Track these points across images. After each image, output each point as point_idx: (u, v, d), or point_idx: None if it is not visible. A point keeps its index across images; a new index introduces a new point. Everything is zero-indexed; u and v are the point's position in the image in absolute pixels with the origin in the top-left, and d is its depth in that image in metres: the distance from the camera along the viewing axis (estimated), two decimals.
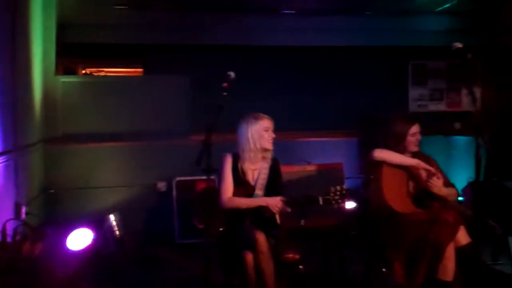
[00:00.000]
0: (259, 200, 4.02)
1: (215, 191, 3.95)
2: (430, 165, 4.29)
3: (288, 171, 4.86)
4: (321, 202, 3.95)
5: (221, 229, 3.93)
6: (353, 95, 6.54)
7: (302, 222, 4.59)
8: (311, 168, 5.06)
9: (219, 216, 3.90)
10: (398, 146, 4.20)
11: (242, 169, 4.11)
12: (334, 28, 5.84)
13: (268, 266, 3.71)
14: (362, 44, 6.04)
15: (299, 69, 6.53)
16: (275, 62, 6.46)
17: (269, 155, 4.16)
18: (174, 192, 5.82)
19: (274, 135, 4.13)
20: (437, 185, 4.04)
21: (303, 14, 5.79)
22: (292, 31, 5.83)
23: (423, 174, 4.07)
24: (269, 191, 4.07)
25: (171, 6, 5.71)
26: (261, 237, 3.71)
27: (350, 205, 5.41)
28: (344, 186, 3.97)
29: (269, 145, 4.11)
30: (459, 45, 3.41)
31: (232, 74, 3.80)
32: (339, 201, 3.95)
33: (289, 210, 3.99)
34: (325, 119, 6.44)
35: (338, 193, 3.95)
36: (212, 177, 3.72)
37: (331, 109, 6.48)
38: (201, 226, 4.19)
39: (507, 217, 4.91)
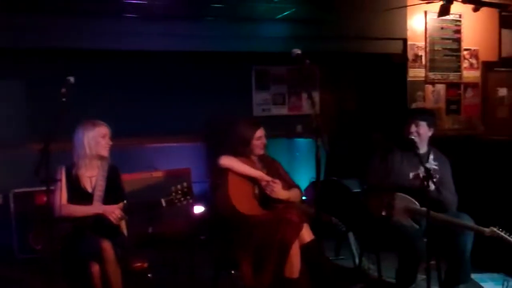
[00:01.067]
0: (95, 208, 3.88)
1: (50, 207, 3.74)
2: (275, 167, 4.43)
3: (134, 178, 4.75)
4: (164, 204, 3.90)
5: (60, 247, 3.72)
6: (199, 99, 6.53)
7: (150, 229, 4.52)
8: (158, 174, 4.99)
9: (57, 232, 3.70)
10: (244, 150, 4.28)
11: (78, 177, 3.97)
12: (178, 33, 5.80)
13: (115, 275, 3.60)
14: (206, 49, 6.06)
15: (144, 74, 6.41)
16: (119, 66, 6.28)
17: (105, 163, 4.04)
18: (12, 205, 5.45)
19: (111, 142, 4.03)
20: (274, 190, 4.18)
21: (147, 18, 5.69)
22: (136, 35, 5.71)
23: (263, 182, 4.20)
24: (108, 200, 3.94)
25: (2, 7, 5.32)
26: (106, 246, 3.59)
27: (198, 209, 5.42)
28: (185, 184, 3.95)
29: (105, 152, 4.01)
30: (298, 51, 3.53)
31: (71, 79, 3.62)
32: (182, 199, 3.92)
33: (126, 217, 3.90)
34: (172, 124, 6.37)
35: (180, 192, 3.92)
36: (52, 187, 3.53)
37: (178, 114, 6.42)
38: (38, 247, 3.95)
39: (346, 214, 5.18)
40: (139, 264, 3.89)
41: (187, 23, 5.79)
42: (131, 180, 4.67)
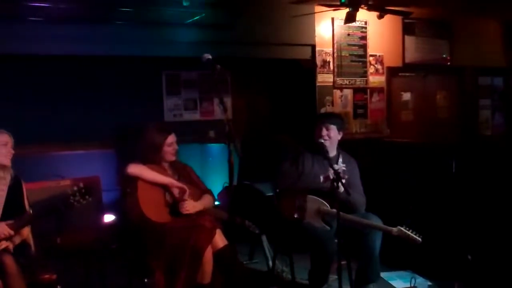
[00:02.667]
0: None
1: None
2: (187, 173, 4.39)
3: (40, 187, 4.58)
4: (63, 210, 3.78)
5: None
6: (108, 105, 6.37)
7: (58, 240, 4.37)
8: (65, 182, 4.82)
9: None
10: (155, 156, 4.22)
11: None
12: (86, 37, 5.63)
13: None
14: (115, 53, 5.92)
15: (52, 79, 6.17)
16: (23, 71, 6.02)
17: (7, 174, 3.82)
18: None
19: (13, 151, 3.83)
20: (187, 208, 4.11)
21: (53, 22, 5.50)
22: (41, 39, 5.50)
23: (176, 191, 4.16)
24: (7, 213, 3.72)
25: None
26: (7, 259, 3.42)
27: (109, 218, 5.29)
28: (82, 185, 3.84)
29: (6, 161, 3.78)
30: (208, 56, 3.54)
31: None
32: (81, 200, 3.80)
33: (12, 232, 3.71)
34: (80, 130, 6.17)
35: (77, 193, 3.80)
36: None
37: (87, 120, 6.22)
38: None
39: (260, 218, 5.22)
40: (47, 276, 3.74)
41: (95, 27, 5.65)
42: (37, 189, 4.49)
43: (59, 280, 3.79)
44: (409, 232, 4.20)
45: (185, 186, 4.17)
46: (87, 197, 3.82)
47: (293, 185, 4.52)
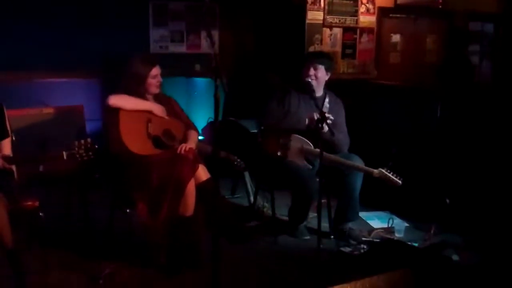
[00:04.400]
0: None
1: None
2: (171, 106, 4.36)
3: (23, 114, 4.53)
4: (65, 157, 3.72)
5: None
6: (93, 34, 6.22)
7: (41, 167, 4.35)
8: (48, 110, 4.76)
9: None
10: (139, 88, 4.16)
11: None
12: None
13: (1, 215, 3.43)
14: None
15: (34, 5, 6.02)
16: None
17: None
18: None
19: None
20: (186, 148, 4.06)
21: None
22: None
23: (159, 113, 4.15)
24: None
25: None
26: None
27: None
28: (89, 140, 3.77)
29: None
30: None
31: None
32: (84, 155, 3.73)
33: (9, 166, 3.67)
34: (64, 58, 6.05)
35: (83, 147, 3.74)
36: None
37: (70, 48, 6.11)
38: None
39: (243, 154, 5.24)
40: (29, 203, 3.75)
41: None
42: (19, 116, 4.45)
43: (41, 207, 3.80)
44: (390, 175, 4.25)
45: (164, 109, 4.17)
46: (90, 153, 3.72)
47: (278, 124, 4.52)
